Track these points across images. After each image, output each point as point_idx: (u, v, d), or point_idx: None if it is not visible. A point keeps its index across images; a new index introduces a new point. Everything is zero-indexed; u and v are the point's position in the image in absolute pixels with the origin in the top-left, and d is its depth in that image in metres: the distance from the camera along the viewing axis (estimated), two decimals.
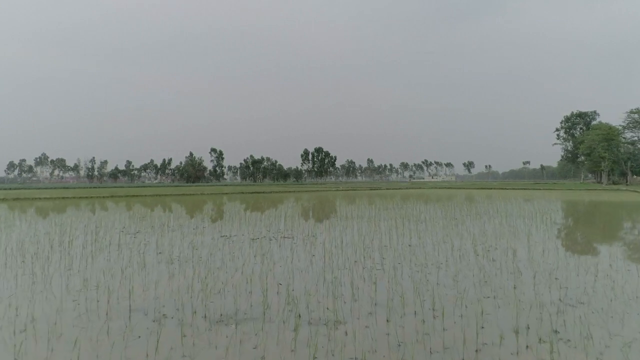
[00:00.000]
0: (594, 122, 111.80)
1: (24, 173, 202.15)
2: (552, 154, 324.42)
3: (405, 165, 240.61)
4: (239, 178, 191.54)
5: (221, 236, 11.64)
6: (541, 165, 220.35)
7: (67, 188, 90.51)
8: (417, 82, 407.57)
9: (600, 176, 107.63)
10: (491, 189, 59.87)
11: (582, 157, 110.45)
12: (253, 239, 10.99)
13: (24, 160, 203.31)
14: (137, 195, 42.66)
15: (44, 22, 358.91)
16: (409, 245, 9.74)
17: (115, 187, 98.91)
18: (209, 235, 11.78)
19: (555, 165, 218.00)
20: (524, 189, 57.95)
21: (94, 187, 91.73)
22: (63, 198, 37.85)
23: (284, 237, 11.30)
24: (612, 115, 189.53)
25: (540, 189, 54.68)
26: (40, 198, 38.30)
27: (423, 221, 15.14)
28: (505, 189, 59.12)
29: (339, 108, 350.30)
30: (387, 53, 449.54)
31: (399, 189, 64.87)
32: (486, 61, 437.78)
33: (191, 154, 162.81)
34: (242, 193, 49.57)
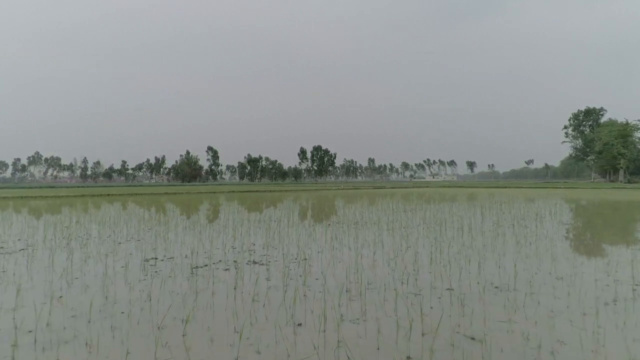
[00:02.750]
0: (603, 120, 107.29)
1: (18, 172, 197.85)
2: (553, 153, 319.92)
3: (406, 165, 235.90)
4: (238, 177, 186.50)
5: (145, 260, 6.71)
6: (545, 164, 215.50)
7: (54, 187, 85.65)
8: (417, 82, 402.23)
9: (610, 175, 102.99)
10: (504, 187, 54.93)
11: (593, 155, 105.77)
12: (195, 268, 6.06)
13: (18, 159, 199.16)
14: (114, 195, 37.76)
15: (44, 22, 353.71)
16: (496, 288, 4.81)
17: (104, 186, 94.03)
18: (126, 258, 6.85)
19: (557, 164, 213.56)
20: (541, 187, 53.02)
21: (81, 187, 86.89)
22: (22, 197, 32.90)
23: (252, 263, 6.38)
24: (612, 114, 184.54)
25: (560, 188, 49.82)
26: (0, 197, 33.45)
27: (471, 229, 10.21)
28: (520, 187, 54.18)
29: (339, 108, 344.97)
30: (387, 53, 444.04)
31: (405, 187, 59.96)
32: (486, 61, 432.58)
33: (188, 152, 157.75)
34: (233, 192, 44.69)
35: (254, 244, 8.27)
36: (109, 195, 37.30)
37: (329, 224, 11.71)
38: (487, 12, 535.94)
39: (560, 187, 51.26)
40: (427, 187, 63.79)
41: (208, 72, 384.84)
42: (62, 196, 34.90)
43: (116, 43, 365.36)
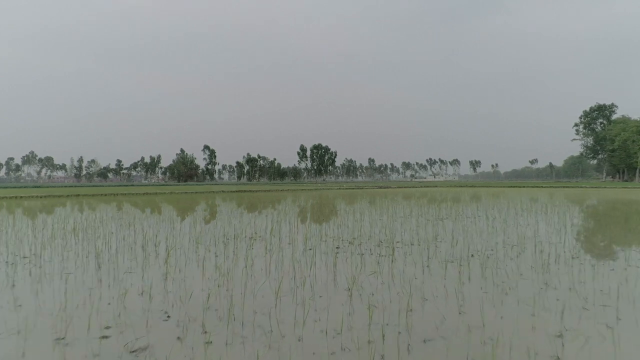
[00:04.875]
0: (615, 116, 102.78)
1: (12, 172, 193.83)
2: (554, 153, 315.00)
3: (407, 165, 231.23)
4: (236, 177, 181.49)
5: None
6: (550, 164, 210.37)
7: (40, 187, 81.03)
8: (418, 81, 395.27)
9: (624, 174, 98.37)
10: (521, 187, 50.09)
11: (604, 154, 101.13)
12: None
13: (12, 159, 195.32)
14: (91, 195, 32.94)
15: (38, 22, 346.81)
16: None
17: (93, 186, 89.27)
18: None
19: (558, 164, 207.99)
20: (562, 187, 48.29)
21: (69, 187, 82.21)
22: None
23: None
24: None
25: (583, 187, 45.07)
26: None
27: (598, 265, 5.43)
28: (539, 187, 49.37)
29: (339, 108, 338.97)
30: (387, 53, 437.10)
31: (412, 187, 55.14)
32: (489, 60, 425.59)
33: (182, 150, 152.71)
34: (224, 192, 39.93)
35: (176, 304, 3.48)
36: (79, 195, 32.50)
37: (337, 248, 6.90)
38: (489, 11, 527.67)
39: (584, 187, 46.49)
40: (435, 187, 58.93)
41: (207, 71, 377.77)
42: (30, 197, 30.13)
43: (114, 43, 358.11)
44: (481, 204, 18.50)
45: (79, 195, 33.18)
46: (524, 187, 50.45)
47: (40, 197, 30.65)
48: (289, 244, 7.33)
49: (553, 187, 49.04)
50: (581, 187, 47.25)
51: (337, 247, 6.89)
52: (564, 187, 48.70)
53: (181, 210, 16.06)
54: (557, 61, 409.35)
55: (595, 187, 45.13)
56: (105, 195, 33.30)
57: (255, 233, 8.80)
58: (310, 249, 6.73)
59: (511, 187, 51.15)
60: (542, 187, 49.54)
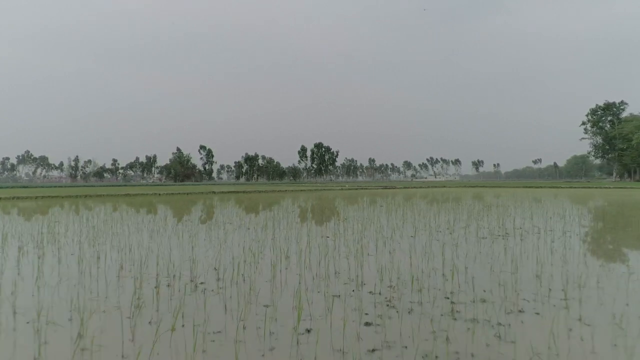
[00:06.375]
0: (626, 114, 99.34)
1: (7, 171, 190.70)
2: (554, 153, 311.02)
3: (408, 164, 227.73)
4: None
5: None
6: (554, 164, 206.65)
7: (27, 187, 77.52)
8: (418, 81, 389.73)
9: (635, 174, 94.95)
10: (538, 187, 46.46)
11: (614, 153, 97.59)
12: None
13: (7, 158, 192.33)
14: (64, 196, 29.31)
15: (37, 22, 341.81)
16: None
17: (84, 186, 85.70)
18: None
19: (560, 164, 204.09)
20: (583, 187, 44.66)
21: (58, 187, 78.72)
22: None
23: None
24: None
25: (607, 188, 41.47)
26: None
27: None
28: (557, 187, 45.72)
29: (339, 108, 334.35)
30: (386, 53, 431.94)
31: (419, 187, 51.44)
32: (489, 60, 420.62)
33: (178, 149, 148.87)
34: (214, 193, 36.33)
35: None
36: (49, 197, 28.86)
37: (366, 322, 3.26)
38: (489, 11, 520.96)
39: (607, 187, 42.82)
40: (443, 187, 55.25)
41: (207, 71, 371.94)
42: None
43: (114, 43, 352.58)
44: (523, 209, 14.83)
45: (50, 196, 29.53)
46: (540, 187, 46.79)
47: (9, 199, 27.07)
48: (265, 306, 3.66)
49: (573, 187, 45.42)
50: (604, 187, 43.59)
51: (367, 322, 3.24)
52: (584, 187, 45.07)
53: (138, 221, 12.38)
54: (557, 61, 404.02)
55: (620, 188, 41.49)
56: (78, 196, 29.64)
57: (215, 269, 5.15)
58: (308, 332, 3.07)
59: (525, 187, 47.50)
60: (561, 187, 45.91)
